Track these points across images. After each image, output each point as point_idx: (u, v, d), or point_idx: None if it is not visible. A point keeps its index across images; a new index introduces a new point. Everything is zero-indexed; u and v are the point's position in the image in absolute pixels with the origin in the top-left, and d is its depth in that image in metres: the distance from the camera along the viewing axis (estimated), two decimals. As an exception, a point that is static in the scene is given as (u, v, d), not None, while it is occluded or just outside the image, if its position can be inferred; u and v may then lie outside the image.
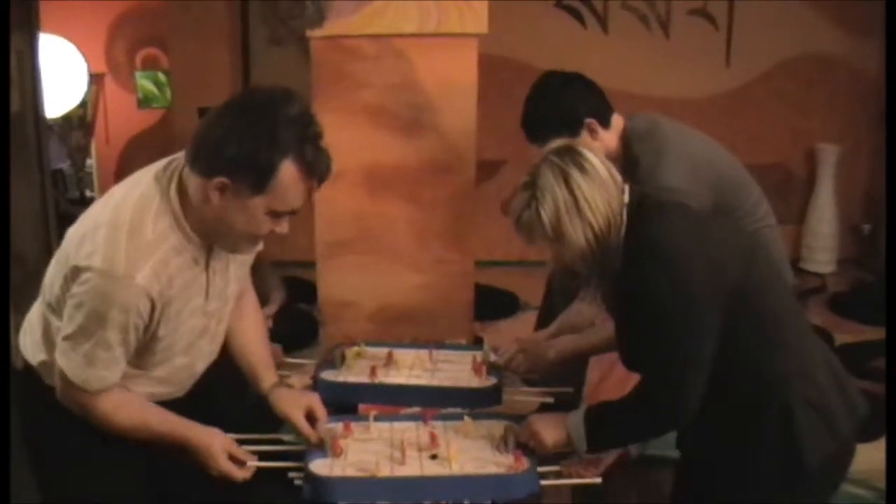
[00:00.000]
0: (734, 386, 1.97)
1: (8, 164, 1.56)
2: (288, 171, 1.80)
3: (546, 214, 1.93)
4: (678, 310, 1.91)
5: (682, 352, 1.93)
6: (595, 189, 1.94)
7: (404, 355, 2.65)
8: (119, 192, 1.93)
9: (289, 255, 3.90)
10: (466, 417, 2.25)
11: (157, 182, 1.90)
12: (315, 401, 2.16)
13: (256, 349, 2.22)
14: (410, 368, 2.59)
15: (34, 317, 2.02)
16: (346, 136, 2.89)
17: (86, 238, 1.85)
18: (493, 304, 4.86)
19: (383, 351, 2.64)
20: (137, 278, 1.80)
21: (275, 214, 1.86)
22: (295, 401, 2.15)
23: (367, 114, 2.91)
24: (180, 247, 1.88)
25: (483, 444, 2.17)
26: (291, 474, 2.08)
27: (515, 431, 2.17)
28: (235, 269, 2.08)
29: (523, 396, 2.56)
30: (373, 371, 2.51)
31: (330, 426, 2.21)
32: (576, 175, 1.94)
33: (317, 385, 2.49)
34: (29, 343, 2.01)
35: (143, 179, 1.92)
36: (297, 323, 3.69)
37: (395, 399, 2.47)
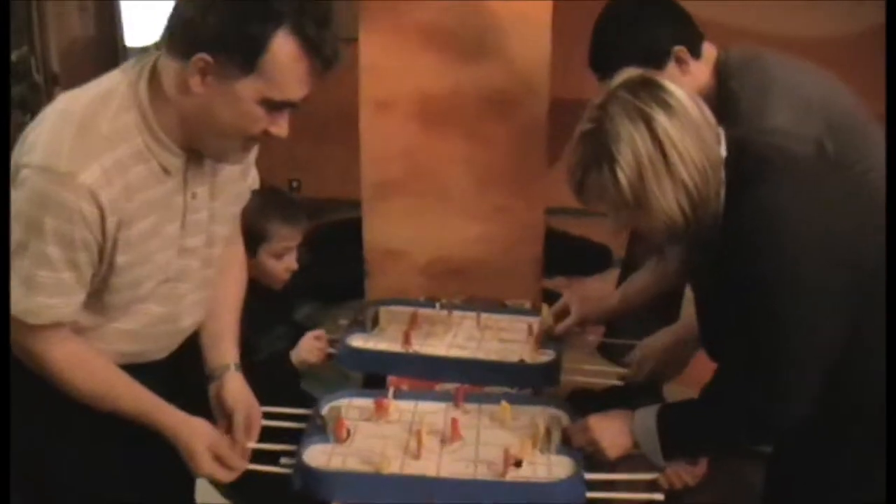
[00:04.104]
0: (855, 378, 1.56)
1: (8, 161, 1.42)
2: (283, 44, 1.44)
3: (624, 174, 1.47)
4: (791, 299, 1.49)
5: (793, 351, 1.51)
6: (688, 136, 1.48)
7: (447, 319, 2.27)
8: (83, 87, 1.60)
9: (342, 192, 3.50)
10: (504, 401, 1.85)
11: (125, 73, 1.56)
12: (258, 413, 1.78)
13: (224, 312, 1.84)
14: (454, 336, 2.21)
15: None
16: (396, 60, 2.51)
17: (30, 132, 1.52)
18: (583, 258, 4.44)
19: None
20: (81, 177, 1.45)
21: (270, 106, 1.50)
22: (247, 398, 1.78)
23: (421, 34, 2.48)
24: (146, 152, 1.53)
25: (520, 437, 1.77)
26: (284, 459, 1.73)
27: (568, 431, 1.76)
28: (225, 202, 1.72)
29: (586, 377, 2.14)
30: (406, 338, 2.14)
31: (337, 403, 1.86)
32: (661, 118, 1.48)
33: (340, 351, 2.14)
34: None
35: (111, 72, 1.59)
36: (348, 271, 3.28)
37: (432, 372, 2.09)
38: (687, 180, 1.48)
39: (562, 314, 2.19)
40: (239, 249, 1.92)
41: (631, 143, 1.47)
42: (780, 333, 1.50)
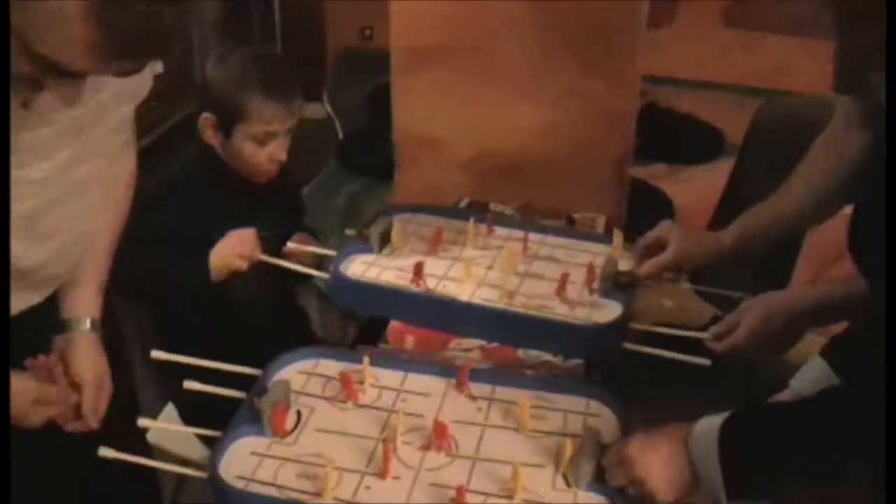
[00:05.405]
0: None
1: (8, 161, 1.06)
2: None
3: None
4: None
5: None
6: None
7: (485, 240, 1.71)
8: None
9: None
10: (521, 398, 1.27)
11: None
12: (109, 388, 1.29)
13: (91, 253, 1.31)
14: (488, 268, 1.63)
15: None
16: None
17: None
18: (690, 142, 3.71)
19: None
20: None
21: None
22: (100, 368, 1.28)
23: None
24: None
25: (538, 455, 1.21)
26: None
27: (604, 463, 1.17)
28: (115, 95, 1.16)
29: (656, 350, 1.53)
30: (417, 270, 1.56)
31: (291, 368, 1.33)
32: None
33: (330, 281, 1.59)
34: None
35: None
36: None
37: (445, 322, 1.54)
38: None
39: (653, 249, 1.58)
40: (125, 168, 1.36)
41: None
42: None
